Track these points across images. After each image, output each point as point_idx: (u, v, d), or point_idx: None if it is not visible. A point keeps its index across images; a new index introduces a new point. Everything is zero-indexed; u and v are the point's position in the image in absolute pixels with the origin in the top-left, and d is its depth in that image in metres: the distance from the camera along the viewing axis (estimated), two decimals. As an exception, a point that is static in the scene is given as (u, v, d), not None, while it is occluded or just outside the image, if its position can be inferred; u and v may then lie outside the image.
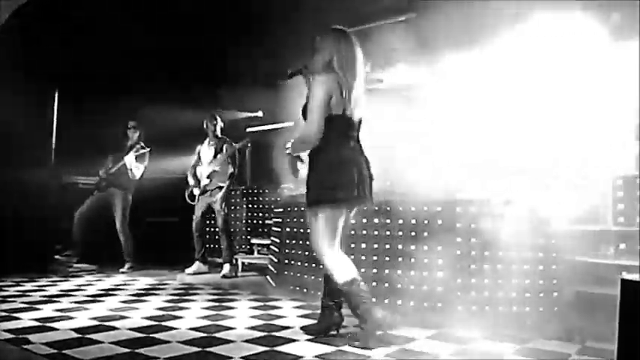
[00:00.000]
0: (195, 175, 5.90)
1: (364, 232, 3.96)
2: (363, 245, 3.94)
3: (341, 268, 2.80)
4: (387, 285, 3.81)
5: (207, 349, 2.65)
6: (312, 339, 2.91)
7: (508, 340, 2.93)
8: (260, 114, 8.42)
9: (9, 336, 2.87)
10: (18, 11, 6.44)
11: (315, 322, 3.10)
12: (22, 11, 6.50)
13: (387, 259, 3.86)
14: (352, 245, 3.85)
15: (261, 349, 2.68)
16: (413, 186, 4.10)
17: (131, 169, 5.97)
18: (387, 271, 3.83)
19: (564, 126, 4.30)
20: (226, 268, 5.59)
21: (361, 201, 2.86)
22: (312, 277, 4.28)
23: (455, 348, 2.78)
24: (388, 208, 3.91)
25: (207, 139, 5.93)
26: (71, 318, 3.38)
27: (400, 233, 3.85)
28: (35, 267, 5.68)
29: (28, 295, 4.24)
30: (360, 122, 2.94)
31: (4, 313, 3.49)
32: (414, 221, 3.81)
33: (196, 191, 5.84)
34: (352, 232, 3.85)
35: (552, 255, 3.64)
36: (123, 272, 5.79)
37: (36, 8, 6.25)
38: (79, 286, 4.83)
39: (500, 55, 4.87)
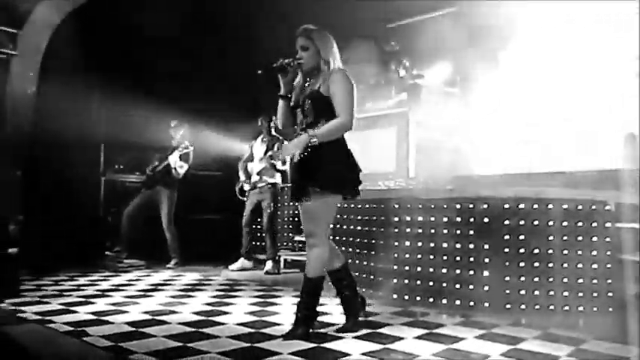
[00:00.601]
0: (246, 171, 6.00)
1: (445, 231, 3.81)
2: (445, 245, 3.78)
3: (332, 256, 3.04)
4: (431, 284, 3.78)
5: (256, 345, 2.70)
6: (358, 336, 2.92)
7: (561, 342, 2.85)
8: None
9: (69, 328, 3.01)
10: (70, 15, 6.69)
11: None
12: (71, 17, 6.75)
13: (431, 256, 3.82)
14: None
15: (308, 345, 2.71)
16: (474, 183, 4.03)
17: (175, 168, 6.12)
18: (443, 270, 3.79)
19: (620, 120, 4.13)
20: (269, 264, 5.67)
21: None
22: (357, 274, 4.27)
23: (504, 348, 2.73)
24: (458, 206, 3.82)
25: (261, 136, 6.02)
26: (124, 312, 3.50)
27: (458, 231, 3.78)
28: (87, 262, 5.92)
29: (83, 289, 4.42)
30: None
31: (62, 307, 3.66)
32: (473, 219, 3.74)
33: (246, 187, 5.94)
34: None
35: (607, 253, 3.52)
36: (169, 268, 5.95)
37: (86, 13, 6.49)
38: (129, 281, 5.00)
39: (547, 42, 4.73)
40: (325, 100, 2.86)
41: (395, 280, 3.99)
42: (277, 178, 5.93)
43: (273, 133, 5.96)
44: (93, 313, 3.44)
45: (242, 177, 6.01)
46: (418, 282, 3.87)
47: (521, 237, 3.54)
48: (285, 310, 3.62)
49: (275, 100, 3.06)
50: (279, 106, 3.04)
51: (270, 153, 5.79)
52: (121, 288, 4.55)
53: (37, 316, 3.33)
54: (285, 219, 6.81)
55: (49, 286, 4.59)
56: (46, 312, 3.46)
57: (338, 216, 4.64)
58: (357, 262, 4.30)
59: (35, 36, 6.71)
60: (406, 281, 3.94)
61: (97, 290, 4.40)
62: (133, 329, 3.02)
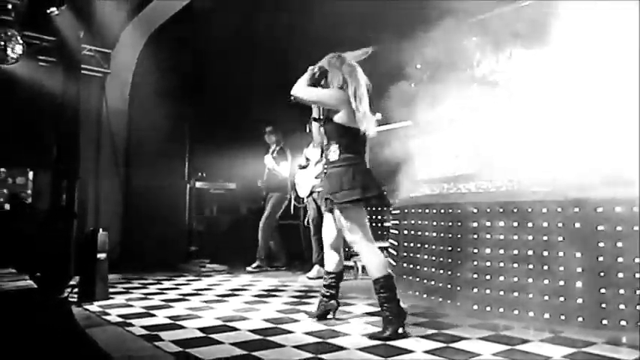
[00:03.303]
0: (303, 178, 5.99)
1: (530, 237, 3.51)
2: (530, 252, 3.49)
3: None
4: (516, 294, 3.47)
5: (319, 356, 2.61)
6: (430, 350, 2.73)
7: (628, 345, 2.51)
8: (378, 116, 8.29)
9: (144, 332, 3.12)
10: (155, 35, 7.12)
11: (316, 307, 3.55)
12: (157, 35, 7.18)
13: (515, 265, 3.50)
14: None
15: (374, 359, 2.57)
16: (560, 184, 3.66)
17: (274, 170, 6.27)
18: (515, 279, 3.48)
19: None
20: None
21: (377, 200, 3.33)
22: (432, 282, 4.06)
23: (568, 351, 2.51)
24: (515, 210, 3.55)
25: (313, 142, 5.97)
26: (199, 317, 3.58)
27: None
28: (173, 267, 6.21)
29: (165, 293, 4.61)
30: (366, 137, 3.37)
31: (143, 310, 3.83)
32: (545, 224, 3.41)
33: (304, 193, 5.92)
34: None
35: None
36: (250, 272, 6.02)
37: (169, 33, 6.86)
38: (210, 285, 5.15)
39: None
40: (332, 124, 3.30)
41: (475, 290, 3.72)
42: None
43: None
44: (170, 317, 3.56)
45: (299, 184, 6.00)
46: (501, 292, 3.57)
47: (619, 244, 3.13)
48: (356, 320, 3.50)
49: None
50: (313, 128, 3.65)
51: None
52: (200, 292, 4.69)
53: (119, 319, 3.51)
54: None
55: (137, 289, 4.85)
56: (129, 315, 3.64)
57: (412, 222, 4.46)
58: (434, 270, 4.07)
59: (125, 55, 7.24)
60: (487, 291, 3.65)
61: (178, 294, 4.57)
62: (203, 335, 3.07)
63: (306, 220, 5.92)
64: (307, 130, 5.97)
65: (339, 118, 3.27)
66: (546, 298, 3.34)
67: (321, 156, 5.76)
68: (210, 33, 6.71)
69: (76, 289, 4.33)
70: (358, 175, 3.20)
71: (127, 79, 7.40)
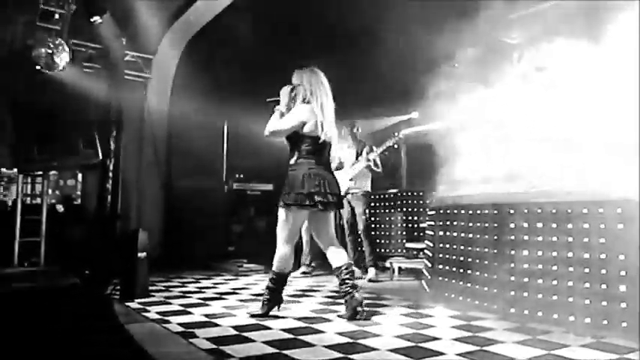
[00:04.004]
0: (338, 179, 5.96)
1: (570, 238, 3.38)
2: (570, 254, 3.35)
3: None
4: (555, 297, 3.36)
5: (349, 356, 2.61)
6: (463, 353, 2.69)
7: None
8: (415, 115, 8.20)
9: (180, 329, 3.21)
10: (193, 40, 7.30)
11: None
12: (196, 39, 7.35)
13: (554, 267, 3.39)
14: (554, 254, 3.41)
15: (404, 360, 2.56)
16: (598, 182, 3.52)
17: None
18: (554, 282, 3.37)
19: None
20: (371, 272, 5.55)
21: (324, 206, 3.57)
22: (468, 284, 3.99)
23: (610, 357, 2.46)
24: (553, 211, 3.43)
25: (347, 143, 5.96)
26: (233, 315, 3.65)
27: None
28: (211, 266, 6.34)
29: (203, 292, 4.72)
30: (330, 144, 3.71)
31: (181, 308, 3.94)
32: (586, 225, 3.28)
33: None
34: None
35: None
36: (304, 273, 5.96)
37: (207, 37, 7.01)
38: (246, 284, 5.24)
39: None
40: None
41: (512, 293, 3.62)
42: (369, 185, 5.81)
43: (358, 137, 5.88)
44: (206, 315, 3.64)
45: None
46: (539, 295, 3.46)
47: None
48: (389, 321, 3.48)
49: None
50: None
51: (370, 155, 5.67)
52: (237, 291, 4.78)
53: (157, 316, 3.62)
54: (398, 225, 6.63)
55: (175, 287, 4.99)
56: (167, 312, 3.75)
57: (448, 223, 4.39)
58: (470, 271, 3.99)
59: (166, 60, 7.46)
60: (525, 294, 3.55)
61: (215, 293, 4.67)
62: (237, 333, 3.12)
63: (340, 221, 5.92)
64: (342, 133, 5.99)
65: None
66: (587, 302, 3.21)
67: (356, 158, 5.79)
68: (248, 36, 6.84)
69: (118, 287, 4.49)
70: (308, 180, 3.51)
71: (167, 83, 7.62)
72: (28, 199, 6.86)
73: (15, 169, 7.08)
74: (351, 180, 5.75)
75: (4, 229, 5.69)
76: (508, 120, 5.12)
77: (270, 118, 3.70)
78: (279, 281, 3.66)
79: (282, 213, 3.65)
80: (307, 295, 4.57)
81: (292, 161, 3.65)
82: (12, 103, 5.74)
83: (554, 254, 3.41)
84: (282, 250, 3.64)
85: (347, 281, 3.56)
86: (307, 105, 3.63)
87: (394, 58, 6.73)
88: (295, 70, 3.80)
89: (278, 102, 3.80)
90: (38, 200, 6.52)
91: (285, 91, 3.75)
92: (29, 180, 6.90)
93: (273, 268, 3.65)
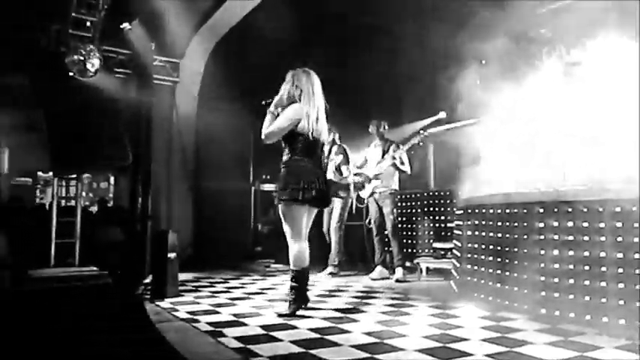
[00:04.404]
0: (361, 177, 5.92)
1: (602, 238, 3.28)
2: (602, 254, 3.25)
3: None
4: (587, 298, 3.27)
5: (376, 356, 2.61)
6: (492, 354, 2.65)
7: None
8: (443, 115, 8.10)
9: (209, 328, 3.27)
10: (219, 44, 7.39)
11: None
12: (223, 42, 7.45)
13: (586, 267, 3.31)
14: (586, 253, 3.33)
15: (435, 366, 2.54)
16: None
17: (337, 178, 6.23)
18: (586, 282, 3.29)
19: None
20: (399, 272, 5.50)
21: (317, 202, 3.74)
22: (497, 285, 3.92)
23: None
24: (585, 209, 3.35)
25: (374, 142, 5.93)
26: (261, 315, 3.69)
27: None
28: (239, 266, 6.41)
29: (231, 292, 4.79)
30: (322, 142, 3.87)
31: (210, 307, 4.01)
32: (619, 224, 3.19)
33: (364, 194, 5.88)
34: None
35: None
36: (331, 274, 5.95)
37: (233, 41, 7.09)
38: (274, 284, 5.28)
39: None
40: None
41: (543, 293, 3.55)
42: (396, 184, 5.76)
43: (385, 136, 5.83)
44: (234, 315, 3.69)
45: (359, 184, 5.92)
46: (571, 296, 3.38)
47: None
48: (416, 321, 3.45)
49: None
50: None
51: (395, 153, 5.61)
52: (264, 291, 4.82)
53: (187, 315, 3.69)
54: (426, 224, 6.57)
55: (205, 287, 5.07)
56: (196, 311, 3.82)
57: (476, 222, 4.33)
58: (499, 271, 3.93)
59: (193, 64, 7.59)
60: (556, 294, 3.47)
61: (244, 293, 4.73)
62: (264, 332, 3.16)
63: (367, 220, 5.91)
64: (370, 130, 5.97)
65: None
66: (621, 302, 3.12)
67: (382, 157, 5.75)
68: (273, 39, 6.89)
69: (149, 287, 4.60)
70: (301, 177, 3.63)
71: (195, 86, 7.75)
72: (63, 201, 7.07)
73: (50, 173, 7.31)
74: (377, 179, 5.71)
75: (41, 231, 5.89)
76: (538, 117, 5.03)
77: (264, 120, 3.78)
78: (300, 278, 3.72)
79: (282, 210, 3.73)
80: (334, 295, 4.58)
81: (285, 158, 3.77)
82: (47, 110, 5.93)
83: (585, 254, 3.32)
84: (294, 247, 3.72)
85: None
86: (297, 104, 3.72)
87: (422, 57, 6.70)
88: (289, 70, 3.90)
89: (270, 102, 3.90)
90: (73, 202, 6.71)
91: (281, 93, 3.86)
92: (64, 183, 7.12)
93: (291, 267, 3.74)
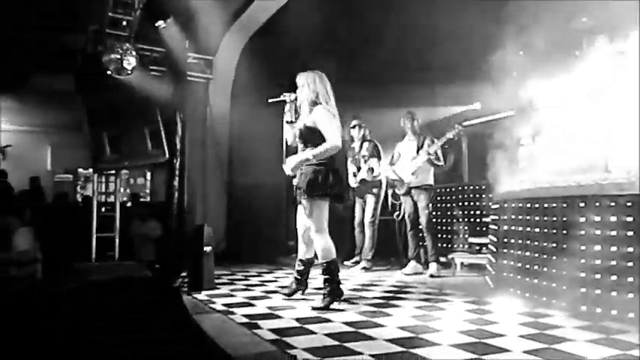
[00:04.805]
0: (396, 174, 5.84)
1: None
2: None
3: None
4: (631, 295, 3.17)
5: (411, 350, 2.60)
6: (530, 350, 2.60)
7: None
8: (477, 106, 7.94)
9: (245, 320, 3.32)
10: (252, 41, 7.45)
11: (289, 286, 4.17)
12: (255, 39, 7.51)
13: (630, 264, 3.20)
14: (630, 249, 3.24)
15: (467, 356, 2.51)
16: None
17: (370, 176, 6.20)
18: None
19: None
20: (433, 267, 5.43)
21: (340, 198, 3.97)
22: (535, 280, 3.84)
23: None
24: (628, 204, 3.23)
25: (407, 137, 5.84)
26: (294, 308, 3.73)
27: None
28: (273, 260, 6.48)
29: (265, 285, 4.85)
30: None
31: (245, 300, 4.07)
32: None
33: (400, 190, 5.80)
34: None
35: None
36: (364, 268, 5.95)
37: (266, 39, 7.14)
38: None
39: None
40: (311, 131, 3.80)
41: (583, 290, 3.45)
42: (432, 179, 5.67)
43: (417, 130, 5.74)
44: (268, 307, 3.74)
45: (394, 180, 5.83)
46: (613, 293, 3.28)
47: None
48: (451, 316, 3.42)
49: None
50: (285, 130, 4.08)
51: (430, 149, 5.52)
52: (297, 285, 4.85)
53: (223, 307, 3.76)
54: (460, 219, 6.48)
55: (240, 280, 5.15)
56: (232, 304, 3.89)
57: (513, 217, 4.24)
58: (537, 267, 3.85)
59: (226, 60, 7.68)
60: (597, 291, 3.37)
61: (277, 286, 4.77)
62: (299, 325, 3.19)
63: (396, 214, 5.86)
64: (401, 124, 5.90)
65: (314, 124, 3.81)
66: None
67: (417, 152, 5.68)
68: (304, 34, 6.89)
69: (186, 280, 4.70)
70: (328, 175, 3.77)
71: (228, 82, 7.85)
72: (103, 196, 7.29)
73: (90, 169, 7.53)
74: (412, 174, 5.64)
75: (82, 226, 6.09)
76: (577, 108, 4.87)
77: (284, 112, 3.99)
78: (331, 269, 3.80)
79: (307, 206, 3.82)
80: (368, 290, 4.58)
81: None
82: (87, 108, 6.11)
83: (629, 250, 3.22)
84: (320, 241, 3.83)
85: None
86: (323, 107, 3.82)
87: (457, 46, 6.57)
88: (299, 73, 3.99)
89: (279, 102, 4.02)
90: (112, 198, 6.92)
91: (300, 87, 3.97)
92: (103, 179, 7.33)
93: (320, 260, 3.84)
